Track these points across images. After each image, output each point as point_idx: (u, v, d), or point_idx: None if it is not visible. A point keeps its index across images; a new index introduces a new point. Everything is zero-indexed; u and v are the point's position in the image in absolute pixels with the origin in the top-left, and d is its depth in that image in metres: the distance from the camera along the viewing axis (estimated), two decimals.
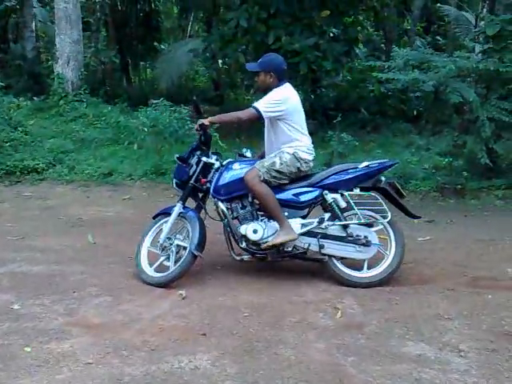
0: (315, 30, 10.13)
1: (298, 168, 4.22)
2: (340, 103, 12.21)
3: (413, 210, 4.51)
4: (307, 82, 11.24)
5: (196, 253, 4.10)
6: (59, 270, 4.44)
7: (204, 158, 4.35)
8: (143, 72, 18.11)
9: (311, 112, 12.28)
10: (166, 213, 4.40)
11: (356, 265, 4.25)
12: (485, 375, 2.83)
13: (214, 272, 4.47)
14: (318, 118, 11.56)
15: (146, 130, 8.54)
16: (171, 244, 4.24)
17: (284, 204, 4.19)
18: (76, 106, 10.90)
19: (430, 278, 4.31)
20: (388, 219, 4.13)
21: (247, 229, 4.16)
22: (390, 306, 3.78)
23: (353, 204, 4.13)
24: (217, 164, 4.36)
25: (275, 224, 4.15)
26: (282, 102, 4.17)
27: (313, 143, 4.40)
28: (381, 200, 4.16)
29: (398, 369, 2.90)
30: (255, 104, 4.21)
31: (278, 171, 4.17)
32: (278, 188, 4.22)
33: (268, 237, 4.13)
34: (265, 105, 4.17)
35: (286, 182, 4.26)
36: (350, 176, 4.23)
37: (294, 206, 4.23)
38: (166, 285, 4.11)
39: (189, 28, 18.91)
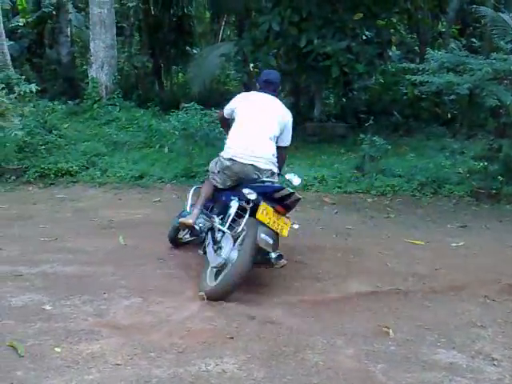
0: (347, 33, 10.06)
1: (219, 166, 4.39)
2: (372, 106, 12.10)
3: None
4: (339, 84, 11.18)
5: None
6: (90, 271, 4.50)
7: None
8: (175, 76, 18.27)
9: (343, 115, 12.24)
10: None
11: None
12: None
13: None
14: (350, 121, 11.50)
15: (176, 133, 8.62)
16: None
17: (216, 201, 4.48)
18: (109, 110, 11.11)
19: (463, 285, 4.23)
20: (235, 233, 4.02)
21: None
22: (421, 312, 3.72)
23: (231, 213, 4.10)
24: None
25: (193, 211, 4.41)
26: (234, 102, 4.57)
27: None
28: (246, 216, 4.01)
29: (428, 377, 2.85)
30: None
31: (210, 171, 4.55)
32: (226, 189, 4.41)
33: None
34: (227, 105, 4.65)
35: (219, 184, 4.43)
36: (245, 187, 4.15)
37: (219, 203, 4.45)
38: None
39: (220, 32, 19.01)
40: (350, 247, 5.23)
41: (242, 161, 4.24)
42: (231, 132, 4.46)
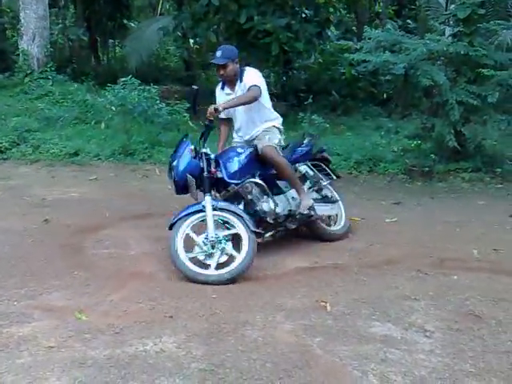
0: (287, 10, 10.03)
1: (280, 140, 4.55)
2: (311, 85, 12.16)
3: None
4: (279, 63, 11.17)
5: (256, 230, 4.01)
6: (21, 252, 4.31)
7: (204, 150, 4.20)
8: (112, 50, 17.71)
9: (283, 94, 12.25)
10: (187, 214, 4.04)
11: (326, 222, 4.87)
12: (449, 355, 2.85)
13: None
14: (290, 100, 11.53)
15: (113, 109, 8.36)
16: (219, 243, 3.90)
17: (272, 176, 4.49)
18: (41, 84, 10.62)
19: (396, 259, 4.33)
20: (334, 179, 5.03)
21: (269, 205, 4.33)
22: (357, 287, 3.78)
23: (316, 171, 4.89)
24: (212, 155, 4.27)
25: (281, 196, 4.49)
26: (261, 76, 4.48)
27: (284, 125, 4.59)
28: (325, 167, 4.98)
29: (364, 349, 2.90)
30: (254, 83, 4.27)
31: (279, 145, 4.51)
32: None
33: (288, 208, 4.46)
34: (260, 81, 4.36)
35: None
36: (306, 151, 4.87)
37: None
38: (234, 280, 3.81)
39: (159, 6, 18.50)
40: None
41: None
42: (270, 105, 4.61)
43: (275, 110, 4.72)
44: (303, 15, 10.61)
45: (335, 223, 4.94)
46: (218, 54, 4.38)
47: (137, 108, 8.19)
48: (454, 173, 7.33)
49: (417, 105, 8.71)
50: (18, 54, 11.33)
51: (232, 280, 3.77)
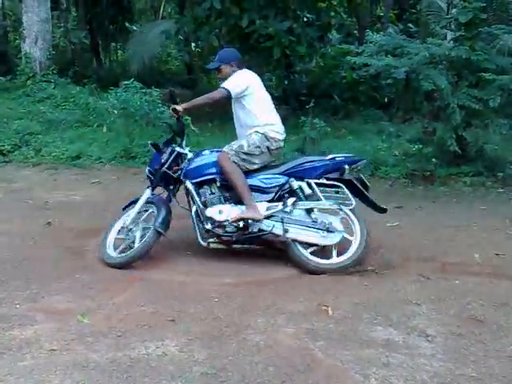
0: (289, 14, 10.04)
1: (268, 147, 4.30)
2: (313, 89, 12.17)
3: (380, 202, 4.55)
4: (280, 67, 11.18)
5: (159, 229, 4.12)
6: (24, 255, 4.32)
7: (178, 148, 4.42)
8: (114, 53, 17.76)
9: (284, 97, 12.25)
10: (136, 201, 4.40)
11: (325, 253, 4.24)
12: (451, 359, 2.85)
13: (183, 258, 4.42)
14: (291, 104, 11.53)
15: (115, 112, 8.37)
16: (136, 227, 4.24)
17: (251, 188, 4.25)
18: (44, 87, 10.65)
19: (398, 264, 4.32)
20: (352, 207, 4.20)
21: (213, 210, 4.21)
22: (359, 291, 3.78)
23: (317, 190, 4.20)
24: (190, 154, 4.44)
25: (241, 207, 4.21)
26: (246, 79, 4.33)
27: (285, 129, 4.50)
28: (345, 188, 4.21)
29: (366, 353, 2.90)
30: (223, 85, 4.28)
31: (246, 153, 4.25)
32: (247, 173, 4.28)
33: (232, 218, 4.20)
34: (232, 84, 4.27)
35: (257, 165, 4.31)
36: (316, 165, 4.30)
37: (260, 190, 4.29)
38: (126, 265, 4.10)
39: (161, 9, 18.57)
40: None
41: (283, 138, 4.44)
42: (262, 110, 4.34)
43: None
44: (305, 19, 10.63)
45: (338, 255, 4.18)
46: (215, 58, 4.49)
47: (139, 111, 8.20)
48: (456, 177, 7.33)
49: (418, 109, 8.71)
50: (21, 57, 11.38)
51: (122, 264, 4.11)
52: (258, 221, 4.15)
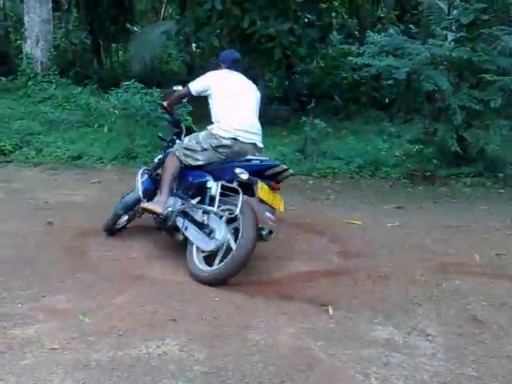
0: (290, 15, 10.04)
1: (211, 144, 4.14)
2: (314, 90, 12.20)
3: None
4: (281, 67, 11.20)
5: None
6: (24, 255, 4.32)
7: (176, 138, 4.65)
8: (115, 54, 17.76)
9: (285, 98, 12.28)
10: None
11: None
12: (451, 359, 2.86)
13: (183, 258, 4.41)
14: (292, 104, 11.56)
15: (116, 112, 8.39)
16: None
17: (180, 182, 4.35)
18: (45, 87, 10.67)
19: (398, 264, 4.33)
20: (233, 215, 3.86)
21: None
22: (359, 291, 3.79)
23: (215, 194, 3.96)
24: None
25: (161, 198, 4.28)
26: (209, 79, 4.39)
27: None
28: (240, 196, 3.83)
29: (366, 353, 2.91)
30: (188, 83, 4.52)
31: (187, 149, 4.26)
32: (188, 169, 4.30)
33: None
34: (195, 82, 4.46)
35: (202, 162, 4.20)
36: (227, 166, 4.07)
37: (185, 185, 4.33)
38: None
39: (162, 10, 18.59)
40: (292, 228, 5.26)
41: (245, 140, 4.13)
42: (218, 108, 4.24)
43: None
44: (306, 20, 10.64)
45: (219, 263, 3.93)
46: (238, 56, 4.70)
47: (140, 111, 8.21)
48: (456, 177, 7.35)
49: (419, 109, 8.73)
50: (22, 58, 11.39)
51: None
52: (158, 215, 4.32)
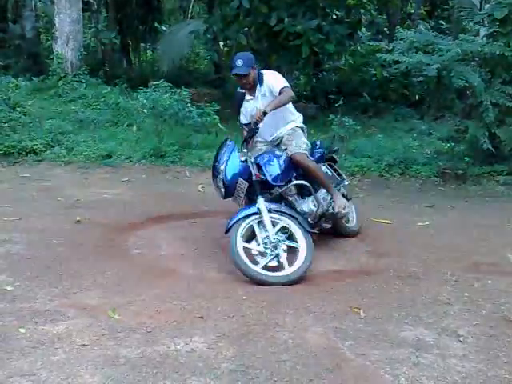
0: (318, 12, 10.01)
1: (306, 143, 4.61)
2: (342, 87, 12.11)
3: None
4: (309, 65, 11.15)
5: (311, 230, 4.19)
6: (56, 252, 4.40)
7: (249, 154, 4.28)
8: (143, 53, 17.95)
9: (313, 96, 12.22)
10: (243, 217, 4.06)
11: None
12: (483, 360, 2.81)
13: (212, 255, 4.45)
14: (320, 102, 11.51)
15: (145, 111, 8.45)
16: (279, 242, 3.97)
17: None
18: (75, 87, 10.83)
19: (429, 263, 4.28)
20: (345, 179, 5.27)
21: (309, 205, 4.41)
22: (389, 291, 3.75)
23: (333, 172, 5.10)
24: (253, 159, 4.29)
25: (313, 197, 4.43)
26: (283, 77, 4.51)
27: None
28: (336, 167, 5.21)
29: (396, 353, 2.88)
30: (284, 85, 4.33)
31: (307, 149, 4.55)
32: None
33: (328, 207, 4.50)
34: (285, 82, 4.39)
35: None
36: (321, 153, 4.94)
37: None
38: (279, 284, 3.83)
39: (190, 9, 18.71)
40: None
41: None
42: (293, 107, 4.62)
43: (302, 111, 4.83)
44: (334, 16, 10.58)
45: (349, 221, 5.04)
46: (239, 63, 4.30)
47: (168, 111, 8.27)
48: (489, 176, 7.21)
49: (450, 107, 8.61)
50: (52, 58, 11.57)
51: (295, 281, 3.85)
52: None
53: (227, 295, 3.61)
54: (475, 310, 3.42)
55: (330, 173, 4.95)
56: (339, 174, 5.11)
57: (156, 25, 16.77)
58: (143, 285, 3.79)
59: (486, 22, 7.64)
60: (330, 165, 5.10)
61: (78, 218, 5.29)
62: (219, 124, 8.42)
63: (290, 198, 4.41)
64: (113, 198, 6.31)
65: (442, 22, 14.99)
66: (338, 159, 5.40)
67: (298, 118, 4.65)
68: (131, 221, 5.28)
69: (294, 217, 4.11)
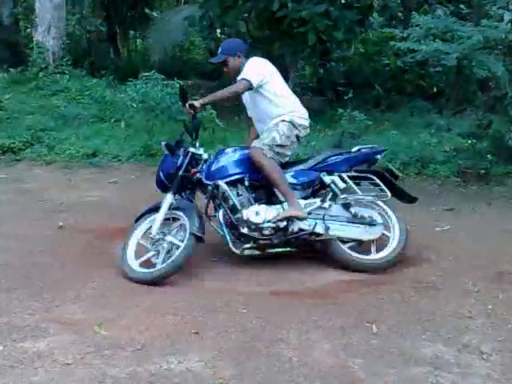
0: None
1: (297, 136, 4.43)
2: (352, 78, 12.14)
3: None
4: (316, 54, 11.16)
5: (199, 234, 4.10)
6: (36, 261, 4.41)
7: (192, 149, 4.39)
8: (133, 42, 17.98)
9: (319, 88, 12.25)
10: (153, 209, 4.34)
11: (364, 248, 4.42)
12: (508, 380, 2.81)
13: (208, 265, 4.45)
14: (327, 95, 11.53)
15: (134, 106, 8.48)
16: (164, 239, 4.18)
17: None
18: (57, 79, 10.85)
19: (449, 272, 4.28)
20: (387, 198, 4.43)
21: (248, 213, 4.21)
22: (404, 303, 3.75)
23: (352, 183, 4.37)
24: (205, 155, 4.44)
25: (276, 207, 4.28)
26: (263, 67, 4.41)
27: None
28: (378, 180, 4.42)
29: (412, 372, 2.88)
30: (243, 76, 4.29)
31: (280, 146, 4.33)
32: None
33: (271, 219, 4.21)
34: (251, 73, 4.29)
35: (288, 158, 4.50)
36: (345, 157, 4.51)
37: (294, 188, 4.37)
38: (151, 282, 4.03)
39: None
40: None
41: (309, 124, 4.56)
42: (283, 97, 4.44)
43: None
44: (343, 1, 10.57)
45: (377, 251, 4.39)
46: (219, 50, 4.51)
47: (160, 105, 8.29)
48: None
49: (471, 99, 8.63)
50: (32, 47, 11.60)
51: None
52: (301, 219, 4.21)
53: (225, 308, 3.62)
54: (500, 324, 3.42)
55: (341, 185, 4.34)
56: (382, 190, 4.42)
57: (146, 11, 16.80)
58: (132, 297, 3.78)
59: (510, 7, 7.65)
60: (371, 178, 4.47)
61: (60, 224, 5.30)
62: (216, 119, 8.43)
63: (220, 199, 4.31)
64: (99, 201, 6.31)
65: (462, 6, 14.97)
66: (396, 173, 5.09)
67: (288, 113, 4.40)
68: (119, 226, 5.27)
69: (188, 216, 4.18)
